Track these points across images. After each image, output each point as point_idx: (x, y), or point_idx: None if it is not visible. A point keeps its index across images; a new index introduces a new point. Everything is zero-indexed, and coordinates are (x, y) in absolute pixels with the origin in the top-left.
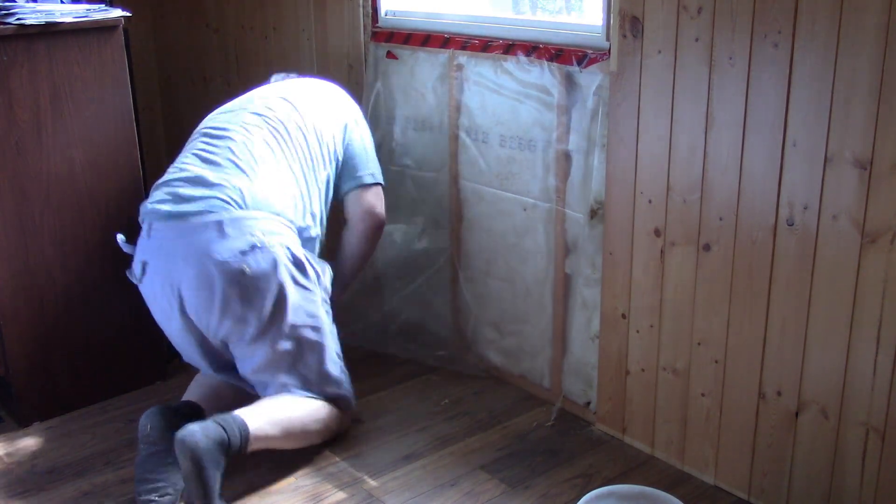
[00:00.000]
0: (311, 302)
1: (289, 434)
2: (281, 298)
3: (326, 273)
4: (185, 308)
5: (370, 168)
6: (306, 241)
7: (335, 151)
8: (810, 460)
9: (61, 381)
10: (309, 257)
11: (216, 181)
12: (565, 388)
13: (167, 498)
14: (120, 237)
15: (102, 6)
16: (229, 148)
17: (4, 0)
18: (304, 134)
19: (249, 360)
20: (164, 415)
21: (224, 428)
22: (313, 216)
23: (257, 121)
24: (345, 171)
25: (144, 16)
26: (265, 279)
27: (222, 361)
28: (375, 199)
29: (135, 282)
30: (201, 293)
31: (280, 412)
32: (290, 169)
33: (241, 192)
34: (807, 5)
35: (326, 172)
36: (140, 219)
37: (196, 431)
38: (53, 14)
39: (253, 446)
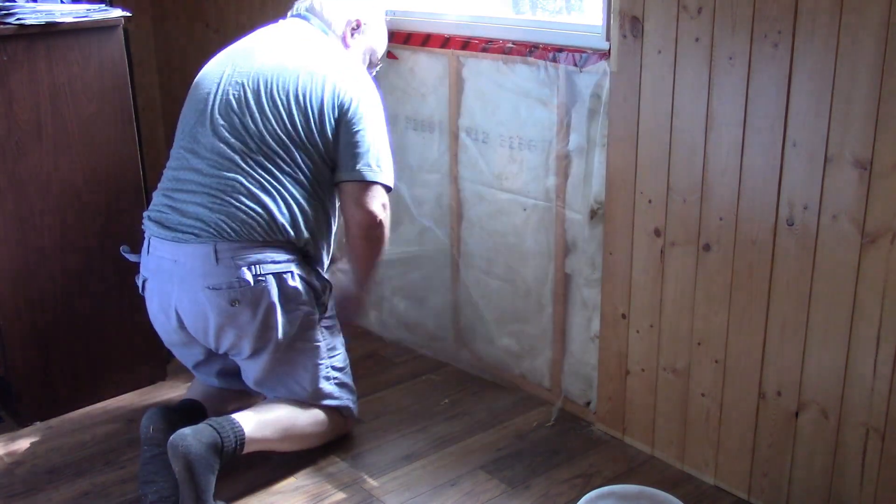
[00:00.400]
0: (304, 324)
1: (285, 437)
2: (272, 326)
3: (327, 290)
4: (184, 325)
5: (372, 162)
6: (308, 247)
7: (330, 138)
8: (810, 460)
9: (61, 381)
10: (307, 277)
11: (207, 206)
12: (565, 388)
13: (172, 499)
14: (124, 248)
15: (102, 6)
16: (216, 167)
17: (4, 0)
18: (296, 139)
19: (248, 372)
20: (165, 415)
21: (217, 430)
22: (307, 223)
23: (248, 123)
24: (341, 159)
25: (144, 16)
26: (255, 310)
27: (226, 368)
28: (371, 198)
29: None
30: (198, 322)
31: (277, 415)
32: (284, 180)
33: (230, 223)
34: (807, 5)
35: (324, 175)
36: (143, 226)
37: (187, 435)
38: (53, 14)
39: (248, 448)
